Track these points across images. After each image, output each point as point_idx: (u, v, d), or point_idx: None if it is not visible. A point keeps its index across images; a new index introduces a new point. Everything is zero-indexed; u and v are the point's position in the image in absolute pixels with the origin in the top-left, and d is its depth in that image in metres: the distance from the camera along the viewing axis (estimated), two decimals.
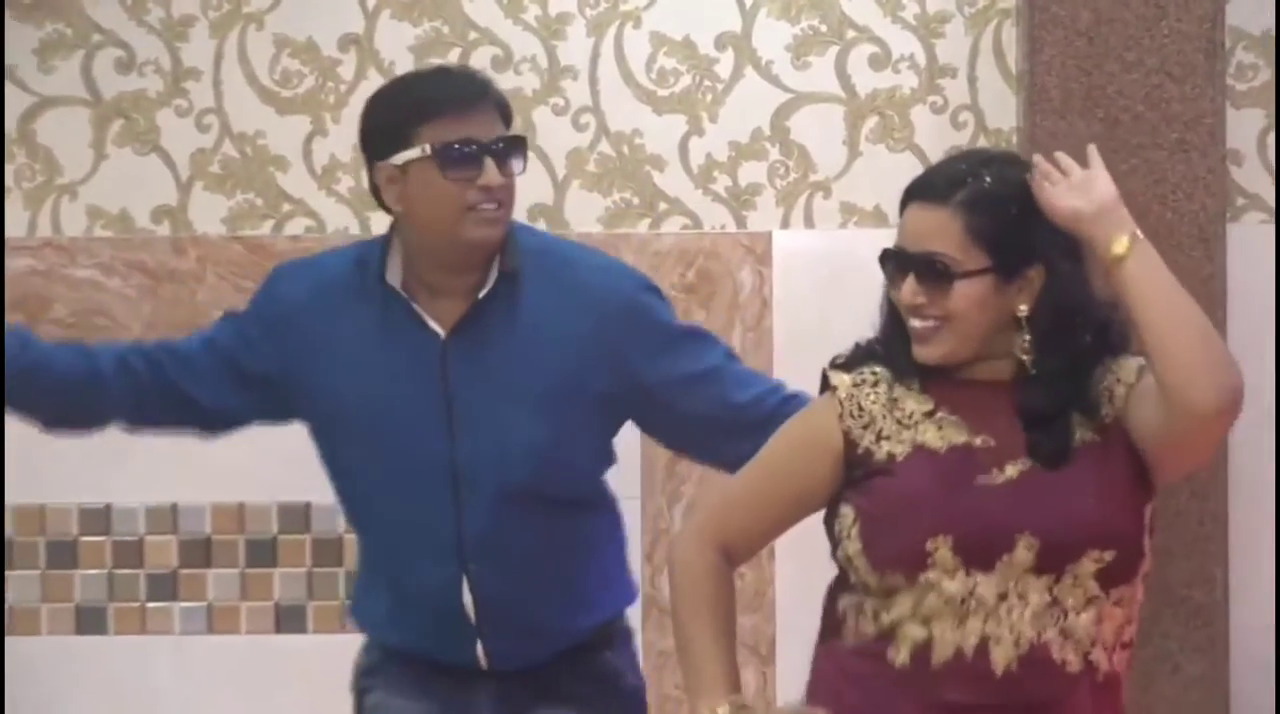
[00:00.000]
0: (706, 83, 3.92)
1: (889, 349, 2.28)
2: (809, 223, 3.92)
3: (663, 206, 3.92)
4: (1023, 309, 2.22)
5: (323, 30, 3.92)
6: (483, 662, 2.64)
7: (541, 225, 3.73)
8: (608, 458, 2.70)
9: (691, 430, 2.65)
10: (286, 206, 3.95)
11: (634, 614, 2.91)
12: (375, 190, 2.58)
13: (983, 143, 3.88)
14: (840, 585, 2.30)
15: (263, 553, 3.92)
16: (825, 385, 2.32)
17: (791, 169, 3.93)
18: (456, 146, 2.51)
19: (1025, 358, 2.22)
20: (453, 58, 3.88)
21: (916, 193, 2.27)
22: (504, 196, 2.54)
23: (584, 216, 3.87)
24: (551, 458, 2.56)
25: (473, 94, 2.55)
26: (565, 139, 3.87)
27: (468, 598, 2.59)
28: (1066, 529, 2.19)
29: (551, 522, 2.59)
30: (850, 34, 3.92)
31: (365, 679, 2.74)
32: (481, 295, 2.54)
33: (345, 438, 2.62)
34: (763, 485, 2.36)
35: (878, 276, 3.51)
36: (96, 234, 3.95)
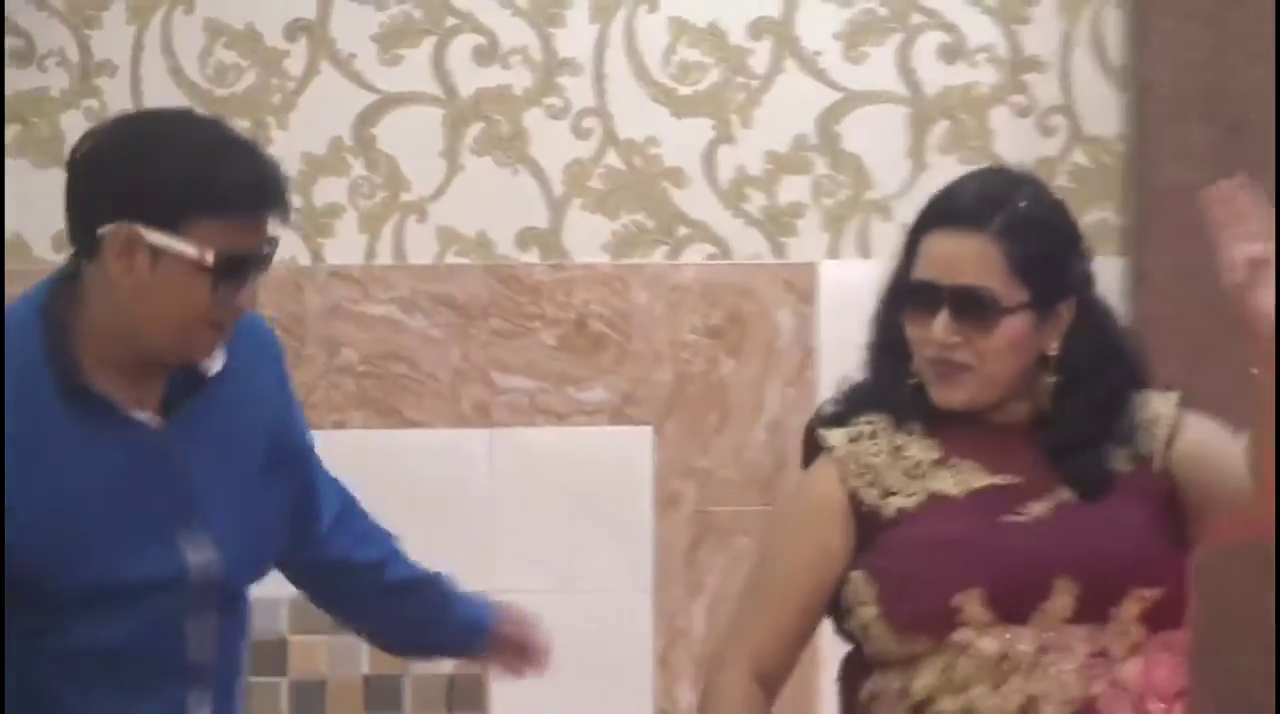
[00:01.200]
0: (738, 79, 3.76)
1: (887, 392, 2.31)
2: (863, 251, 3.77)
3: (683, 231, 3.76)
4: (1053, 347, 2.26)
5: (266, 15, 3.76)
6: None
7: (533, 255, 3.66)
8: None
9: None
10: None
11: None
12: (85, 238, 2.36)
13: (1078, 153, 3.80)
14: (856, 668, 2.30)
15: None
16: (813, 447, 2.34)
17: (842, 185, 3.76)
18: (231, 259, 2.34)
19: (1048, 401, 2.27)
20: (426, 47, 3.73)
21: (944, 218, 2.28)
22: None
23: (586, 244, 3.70)
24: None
25: (273, 195, 2.37)
26: (564, 148, 3.72)
27: None
28: (1107, 567, 2.21)
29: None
30: (915, 19, 3.76)
31: None
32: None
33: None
34: (777, 584, 2.35)
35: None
36: None
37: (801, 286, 3.70)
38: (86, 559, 2.36)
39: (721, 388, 3.59)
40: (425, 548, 3.56)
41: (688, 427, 3.60)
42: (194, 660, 2.41)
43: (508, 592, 3.61)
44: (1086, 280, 2.25)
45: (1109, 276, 3.48)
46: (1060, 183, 3.67)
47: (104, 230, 2.32)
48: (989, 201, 2.26)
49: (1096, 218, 3.67)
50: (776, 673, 2.31)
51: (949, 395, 2.25)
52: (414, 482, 3.59)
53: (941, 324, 2.23)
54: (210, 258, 2.30)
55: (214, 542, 2.40)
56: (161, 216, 2.31)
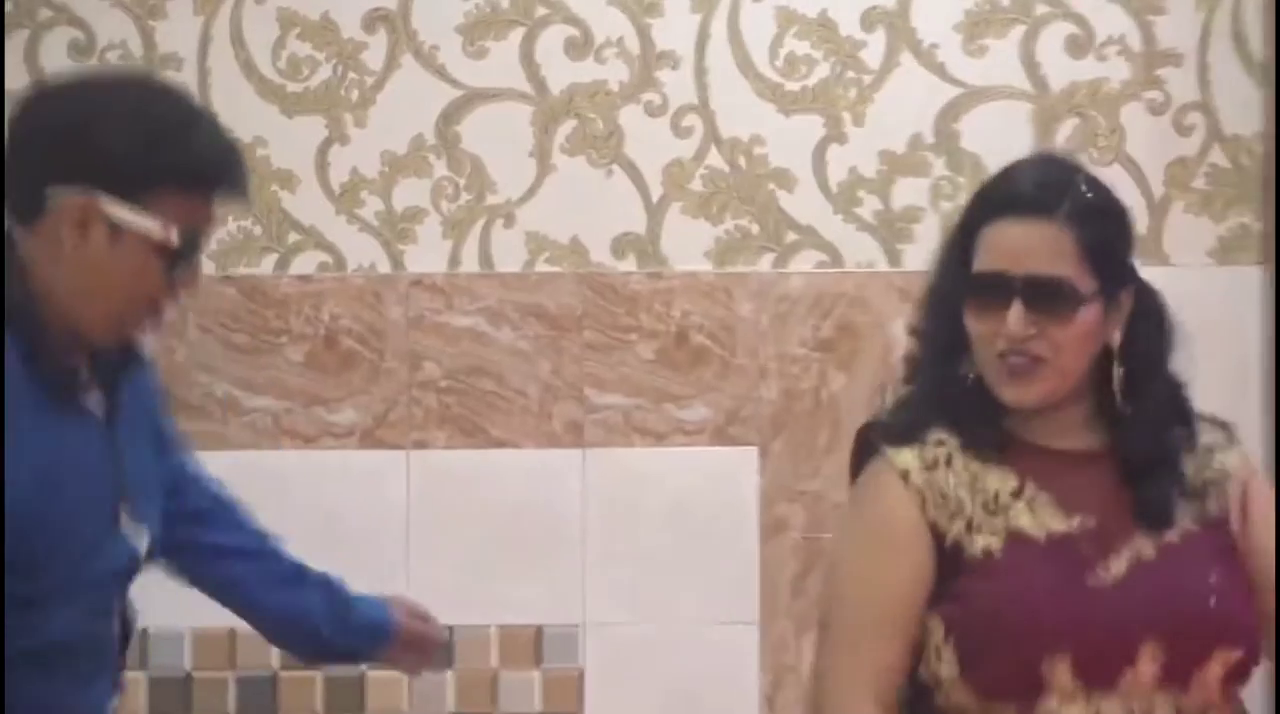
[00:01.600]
0: (850, 74, 3.68)
1: (950, 401, 2.25)
2: None
3: (791, 237, 3.68)
4: (1116, 337, 2.26)
5: (343, 5, 3.69)
6: None
7: (630, 263, 3.61)
8: None
9: None
10: (294, 237, 3.73)
11: None
12: (29, 201, 2.28)
13: (1217, 152, 3.70)
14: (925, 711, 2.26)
15: (260, 693, 3.58)
16: (865, 453, 2.30)
17: (961, 188, 3.62)
18: (189, 236, 2.30)
19: (1118, 395, 2.24)
20: (514, 39, 3.65)
21: (1006, 206, 2.26)
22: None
23: (687, 250, 3.64)
24: None
25: (235, 171, 2.33)
26: (663, 148, 3.65)
27: None
28: (1192, 629, 2.19)
29: None
30: (1040, 9, 3.68)
31: None
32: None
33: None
34: (885, 618, 2.27)
35: None
36: None
37: (918, 296, 3.52)
38: (54, 554, 2.33)
39: (832, 405, 3.52)
40: (513, 577, 3.50)
41: (796, 447, 3.53)
42: (118, 643, 2.43)
43: (601, 625, 3.55)
44: (1135, 269, 2.26)
45: (1248, 287, 3.61)
46: (1197, 185, 3.66)
47: (55, 197, 2.23)
48: (1053, 188, 2.25)
49: (1235, 223, 3.64)
50: (893, 707, 2.25)
51: (1022, 392, 2.22)
52: (500, 505, 3.56)
53: (1016, 316, 2.19)
54: (174, 235, 2.24)
55: (146, 527, 2.39)
56: (123, 187, 2.25)
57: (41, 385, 2.30)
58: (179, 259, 2.30)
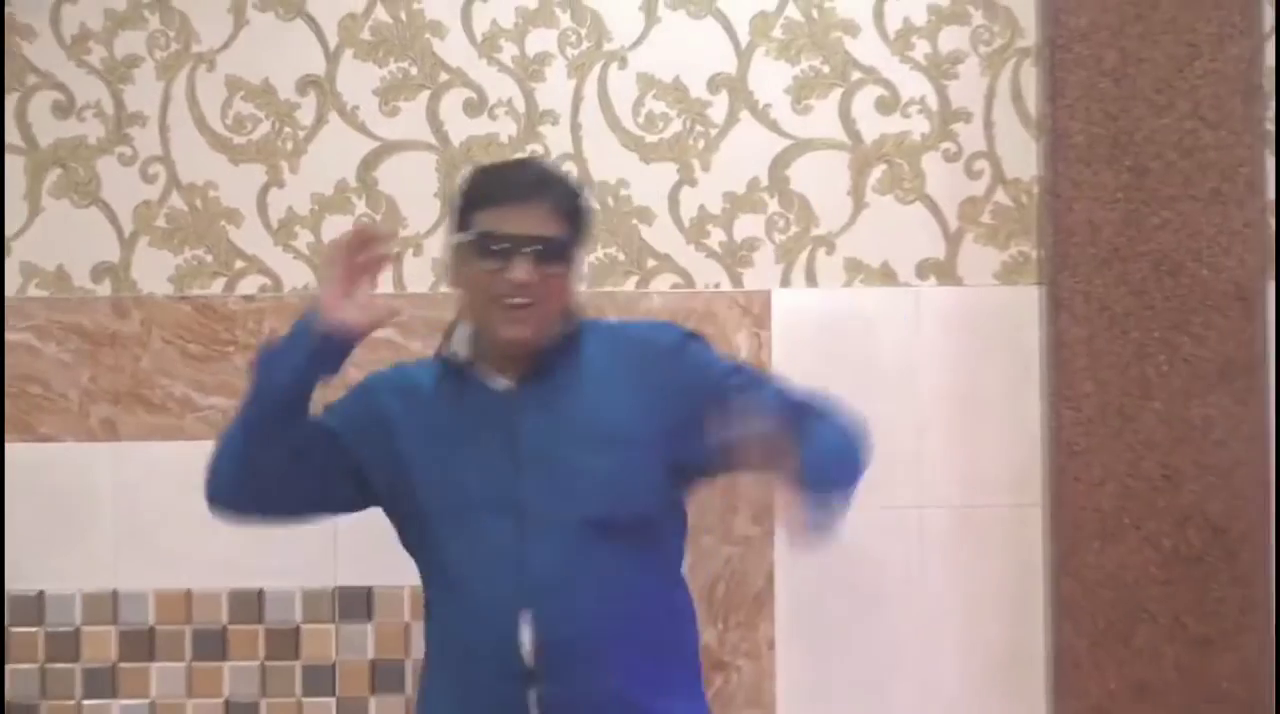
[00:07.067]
0: (699, 128, 3.77)
1: None
2: (811, 280, 3.76)
3: (651, 263, 3.77)
4: None
5: (280, 71, 3.76)
6: None
7: None
8: (671, 503, 2.82)
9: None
10: (239, 263, 3.77)
11: None
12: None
13: (1001, 193, 3.77)
14: None
15: (211, 644, 3.66)
16: None
17: (792, 222, 3.77)
18: (491, 237, 2.69)
19: None
20: (421, 101, 3.74)
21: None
22: (535, 294, 2.70)
23: None
24: (615, 489, 2.71)
25: (524, 188, 2.71)
26: None
27: (526, 635, 2.66)
28: None
29: (614, 558, 2.69)
30: (855, 75, 3.78)
31: None
32: (545, 348, 2.77)
33: (434, 503, 2.75)
34: None
35: (884, 337, 3.70)
36: (31, 294, 3.76)
37: (757, 312, 3.70)
38: (445, 484, 2.73)
39: None
40: None
41: None
42: (527, 584, 2.68)
43: None
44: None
45: (1028, 303, 3.69)
46: (985, 219, 3.72)
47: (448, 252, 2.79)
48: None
49: (1016, 251, 3.71)
50: None
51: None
52: None
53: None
54: (474, 237, 2.71)
55: (540, 484, 2.69)
56: (457, 223, 2.77)
57: (453, 382, 2.86)
58: (492, 258, 2.75)
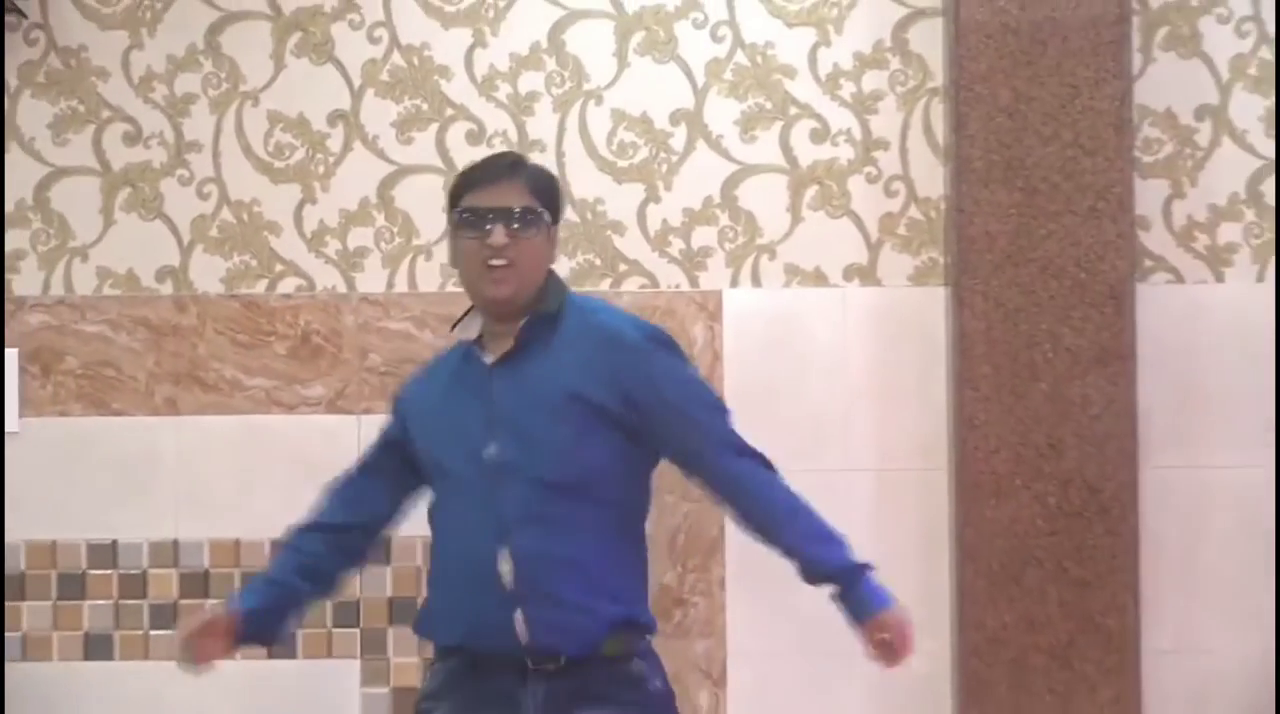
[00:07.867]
0: (662, 155, 3.97)
1: None
2: (756, 282, 3.96)
3: (623, 267, 3.96)
4: None
5: (313, 107, 3.99)
6: (521, 635, 2.79)
7: None
8: (626, 468, 2.89)
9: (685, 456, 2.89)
10: (279, 267, 3.99)
11: None
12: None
13: (914, 209, 3.95)
14: None
15: None
16: None
17: (740, 233, 3.97)
18: (472, 211, 2.81)
19: None
20: (430, 132, 3.97)
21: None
22: (512, 256, 2.81)
23: None
24: (567, 452, 2.81)
25: (497, 171, 2.85)
26: None
27: (505, 566, 2.78)
28: None
29: (574, 507, 2.80)
30: (793, 111, 3.97)
31: (426, 702, 2.96)
32: (521, 327, 2.86)
33: (433, 460, 2.92)
34: None
35: (819, 330, 3.77)
36: (105, 293, 4.03)
37: (711, 309, 3.89)
38: (435, 445, 2.87)
39: None
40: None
41: None
42: (507, 514, 2.77)
43: None
44: None
45: (936, 301, 3.85)
46: (900, 231, 3.88)
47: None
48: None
49: (926, 257, 3.88)
50: None
51: None
52: None
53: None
54: (457, 215, 2.80)
55: (505, 443, 2.79)
56: (449, 210, 2.86)
57: (460, 360, 2.95)
58: (473, 228, 2.81)
